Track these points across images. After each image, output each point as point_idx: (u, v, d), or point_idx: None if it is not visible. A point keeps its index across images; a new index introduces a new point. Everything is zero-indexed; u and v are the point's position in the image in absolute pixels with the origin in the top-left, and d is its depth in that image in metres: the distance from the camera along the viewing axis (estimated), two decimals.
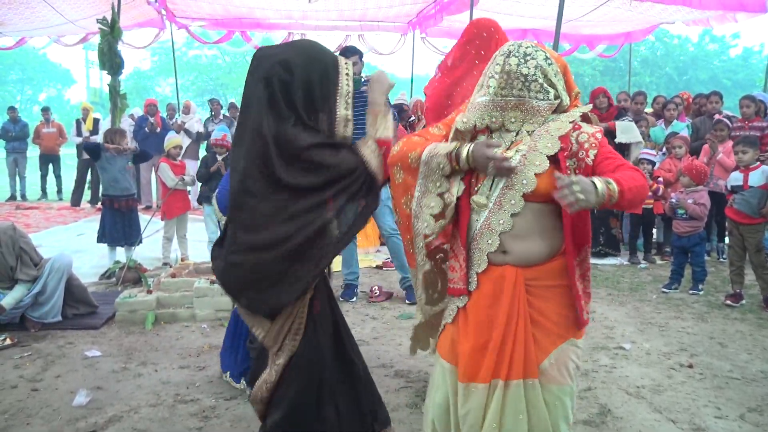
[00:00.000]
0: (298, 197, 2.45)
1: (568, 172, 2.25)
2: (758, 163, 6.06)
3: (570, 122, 2.30)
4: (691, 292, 6.42)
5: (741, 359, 4.63)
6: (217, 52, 41.12)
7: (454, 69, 3.16)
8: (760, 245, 6.05)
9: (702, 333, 5.23)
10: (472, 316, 2.36)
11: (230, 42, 16.74)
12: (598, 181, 2.09)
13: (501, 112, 2.30)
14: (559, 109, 2.34)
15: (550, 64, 2.29)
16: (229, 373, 4.10)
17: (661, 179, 7.46)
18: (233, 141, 2.66)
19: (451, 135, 2.40)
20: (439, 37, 15.52)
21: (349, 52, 4.65)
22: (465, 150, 2.29)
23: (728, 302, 6.01)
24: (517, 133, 2.34)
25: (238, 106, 13.83)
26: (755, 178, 5.93)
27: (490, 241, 2.32)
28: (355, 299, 6.03)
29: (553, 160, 2.27)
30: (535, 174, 2.25)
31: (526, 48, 2.29)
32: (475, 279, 2.36)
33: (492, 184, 2.31)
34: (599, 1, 10.92)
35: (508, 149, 2.31)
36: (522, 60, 2.26)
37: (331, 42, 16.16)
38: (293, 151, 2.44)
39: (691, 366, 4.47)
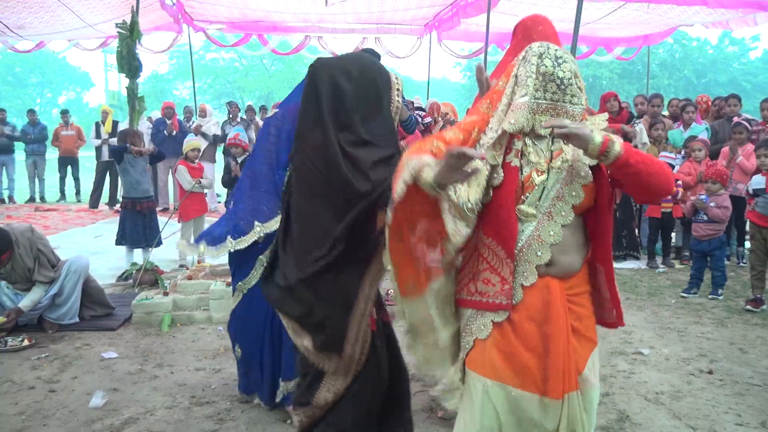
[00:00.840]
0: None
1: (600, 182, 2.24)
2: None
3: (601, 130, 2.22)
4: (710, 296, 6.35)
5: (762, 365, 4.56)
6: (235, 55, 41.39)
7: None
8: None
9: (722, 338, 5.16)
10: (520, 329, 2.22)
11: (247, 45, 16.83)
12: (616, 140, 2.11)
13: (533, 116, 2.22)
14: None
15: (577, 72, 2.25)
16: (258, 395, 3.85)
17: (680, 182, 7.38)
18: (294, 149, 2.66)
19: (494, 139, 2.26)
20: (456, 39, 15.51)
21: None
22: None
23: (749, 307, 5.93)
24: (552, 141, 2.27)
25: (256, 108, 13.95)
26: None
27: (539, 253, 2.23)
28: None
29: (594, 169, 2.25)
30: (582, 185, 2.23)
31: (556, 50, 2.24)
32: (521, 291, 2.24)
33: (541, 195, 2.24)
34: (617, 3, 10.86)
35: (551, 159, 2.25)
36: (556, 62, 2.20)
37: (348, 45, 16.22)
38: (359, 166, 2.45)
39: (710, 372, 4.41)
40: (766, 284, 6.10)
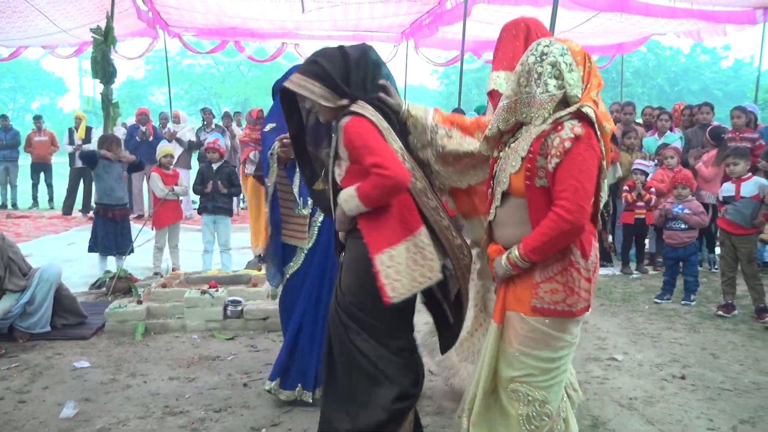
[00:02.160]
0: None
1: (528, 173, 2.42)
2: (750, 174, 6.07)
3: (550, 123, 2.40)
4: (683, 302, 6.42)
5: (733, 370, 4.62)
6: (211, 61, 41.24)
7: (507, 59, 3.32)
8: (752, 255, 6.05)
9: (694, 344, 5.22)
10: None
11: (224, 51, 16.76)
12: (503, 257, 2.53)
13: (512, 114, 2.52)
14: (567, 101, 2.42)
15: (564, 55, 2.41)
16: (301, 386, 3.82)
17: (653, 189, 7.47)
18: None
19: (490, 128, 2.64)
20: (432, 47, 15.58)
21: None
22: None
23: (720, 313, 6.01)
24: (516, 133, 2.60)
25: (231, 114, 13.86)
26: (747, 189, 5.95)
27: (484, 227, 2.74)
28: None
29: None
30: (510, 174, 2.50)
31: (543, 47, 2.45)
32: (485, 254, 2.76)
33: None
34: (591, 12, 10.98)
35: (505, 149, 2.60)
36: (538, 57, 2.44)
37: None
38: None
39: (683, 377, 4.46)
40: (737, 290, 6.17)
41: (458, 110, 9.62)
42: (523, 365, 2.50)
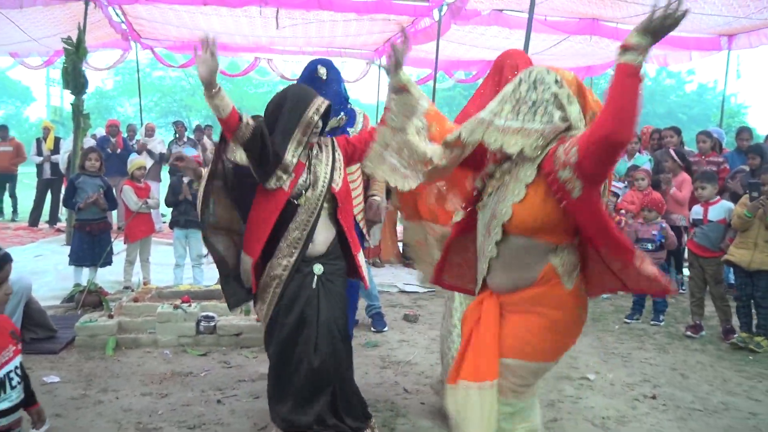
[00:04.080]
0: None
1: (559, 194, 2.25)
2: (718, 198, 6.21)
3: (556, 141, 2.31)
4: (652, 322, 6.51)
5: (702, 390, 4.70)
6: (182, 73, 40.87)
7: (480, 96, 3.38)
8: (720, 277, 6.18)
9: (664, 364, 5.30)
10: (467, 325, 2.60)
11: (195, 66, 16.68)
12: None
13: (502, 135, 2.33)
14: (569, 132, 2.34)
15: (561, 87, 2.34)
16: None
17: (623, 211, 7.59)
18: None
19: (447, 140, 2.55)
20: (405, 66, 15.65)
21: None
22: None
23: (688, 333, 6.11)
24: (512, 163, 2.41)
25: (204, 128, 13.81)
26: (714, 213, 6.08)
27: (484, 267, 2.48)
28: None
29: (535, 188, 2.32)
30: (513, 203, 2.31)
31: (537, 75, 2.36)
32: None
33: (485, 213, 2.45)
34: (562, 35, 11.18)
35: (498, 180, 2.44)
36: (532, 85, 2.34)
37: (297, 68, 16.24)
38: None
39: (654, 397, 4.52)
40: (705, 311, 6.29)
41: None
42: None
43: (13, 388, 2.50)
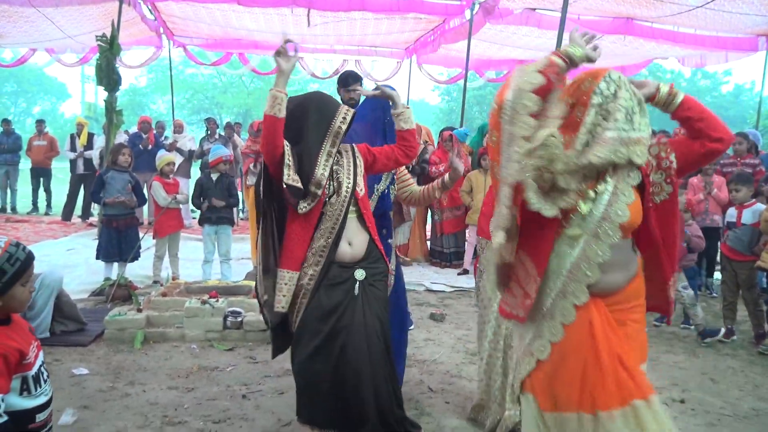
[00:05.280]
0: None
1: (652, 194, 2.41)
2: (753, 200, 6.09)
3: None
4: (682, 326, 6.41)
5: (732, 396, 4.61)
6: (214, 71, 41.32)
7: None
8: (753, 282, 6.06)
9: (694, 368, 5.22)
10: (572, 350, 2.33)
11: (227, 63, 16.84)
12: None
13: (627, 147, 2.26)
14: None
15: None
16: None
17: None
18: None
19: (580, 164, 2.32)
20: (435, 64, 15.66)
21: (351, 78, 4.65)
22: None
23: (720, 338, 6.00)
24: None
25: (233, 125, 13.98)
26: (748, 216, 5.96)
27: (589, 273, 2.31)
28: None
29: (638, 189, 2.38)
30: (627, 204, 2.32)
31: (624, 81, 2.34)
32: (573, 312, 2.33)
33: (587, 218, 2.32)
34: (595, 35, 11.05)
35: (596, 182, 2.33)
36: (628, 94, 2.31)
37: (328, 66, 16.30)
38: None
39: (683, 401, 4.45)
40: (737, 315, 6.18)
41: (448, 128, 9.68)
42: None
43: (45, 381, 2.54)
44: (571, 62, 2.30)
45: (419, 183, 8.71)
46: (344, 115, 3.26)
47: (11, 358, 2.35)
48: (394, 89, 3.50)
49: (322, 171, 3.16)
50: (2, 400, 2.29)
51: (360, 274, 3.24)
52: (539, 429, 2.39)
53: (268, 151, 3.11)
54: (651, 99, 2.42)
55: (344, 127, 3.25)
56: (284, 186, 3.10)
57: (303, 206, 3.15)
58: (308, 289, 3.20)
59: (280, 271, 3.23)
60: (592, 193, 2.33)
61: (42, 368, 2.55)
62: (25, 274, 2.45)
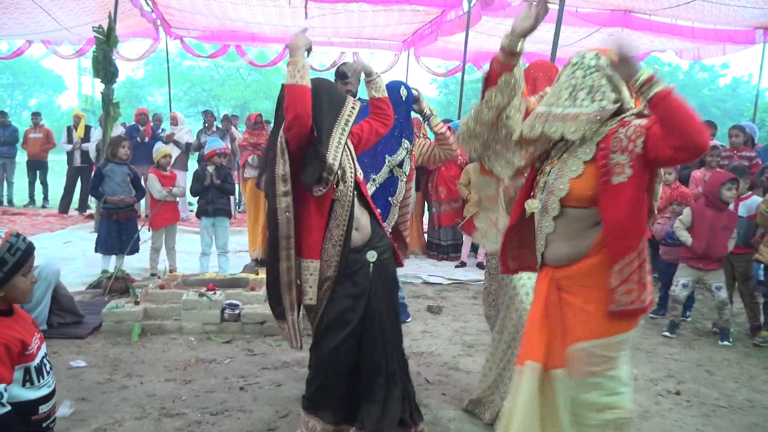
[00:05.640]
0: None
1: (603, 171, 2.36)
2: (749, 193, 6.10)
3: (617, 121, 2.40)
4: (680, 318, 6.43)
5: (728, 387, 4.64)
6: (211, 63, 41.25)
7: None
8: (749, 274, 6.08)
9: (689, 360, 5.24)
10: (531, 309, 2.68)
11: (224, 56, 16.80)
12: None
13: (562, 123, 2.43)
14: (621, 112, 2.44)
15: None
16: None
17: None
18: None
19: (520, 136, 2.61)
20: (433, 57, 15.64)
21: (348, 72, 4.67)
22: None
23: (716, 329, 6.03)
24: (576, 142, 2.48)
25: (231, 117, 13.94)
26: (744, 208, 5.99)
27: (541, 242, 2.57)
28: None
29: (594, 164, 2.41)
30: (570, 179, 2.44)
31: (589, 61, 2.44)
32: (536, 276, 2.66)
33: (542, 191, 2.54)
34: (593, 27, 11.05)
35: (558, 158, 2.52)
36: (585, 70, 2.43)
37: (326, 59, 16.27)
38: None
39: (678, 393, 4.47)
40: (733, 307, 6.19)
41: (446, 120, 9.65)
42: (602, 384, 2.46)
43: (48, 373, 2.55)
44: (507, 51, 2.56)
45: (419, 178, 8.75)
46: (353, 105, 3.26)
47: (13, 348, 2.36)
48: (362, 61, 3.64)
49: (332, 158, 3.09)
50: (5, 390, 2.30)
51: (371, 255, 3.26)
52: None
53: (298, 124, 2.97)
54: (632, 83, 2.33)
55: (352, 118, 3.23)
56: (308, 167, 3.05)
57: (319, 189, 3.10)
58: (332, 281, 3.21)
59: (303, 261, 3.17)
60: (548, 168, 2.52)
61: (45, 360, 2.56)
62: (26, 265, 2.46)
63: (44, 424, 2.53)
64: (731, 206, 6.09)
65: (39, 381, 2.48)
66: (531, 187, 2.66)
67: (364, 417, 3.23)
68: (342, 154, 3.17)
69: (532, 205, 2.57)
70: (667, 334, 5.89)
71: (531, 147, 2.60)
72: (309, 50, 3.12)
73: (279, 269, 3.14)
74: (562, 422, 2.46)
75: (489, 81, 2.63)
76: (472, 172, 3.10)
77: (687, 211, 5.93)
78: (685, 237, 5.84)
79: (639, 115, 2.40)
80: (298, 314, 3.24)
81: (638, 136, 2.29)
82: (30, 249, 2.48)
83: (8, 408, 2.31)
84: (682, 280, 5.91)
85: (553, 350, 2.48)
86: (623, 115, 2.41)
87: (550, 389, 2.48)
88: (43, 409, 2.51)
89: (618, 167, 2.32)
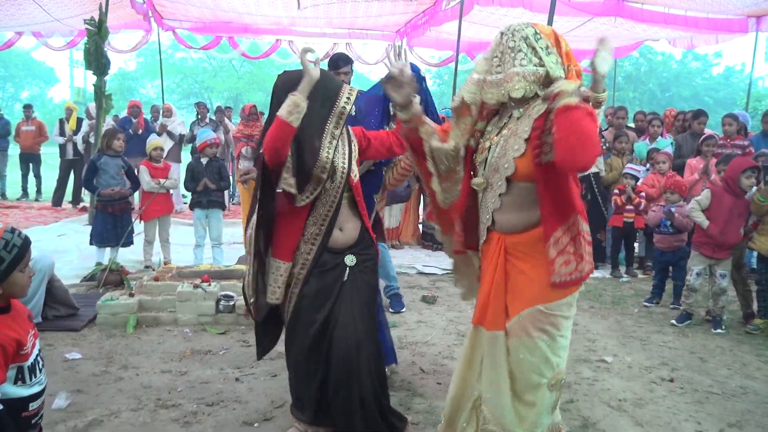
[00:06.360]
0: None
1: (536, 151, 2.47)
2: None
3: (545, 106, 2.48)
4: (672, 306, 6.47)
5: (721, 374, 4.67)
6: (204, 55, 41.09)
7: None
8: (741, 262, 6.12)
9: (683, 347, 5.27)
10: (482, 277, 2.80)
11: (217, 48, 16.73)
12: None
13: (497, 88, 2.58)
14: (548, 83, 2.53)
15: (538, 39, 2.54)
16: None
17: (643, 194, 7.53)
18: None
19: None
20: (426, 47, 15.61)
21: (341, 60, 4.62)
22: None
23: (709, 317, 6.05)
24: (510, 117, 2.62)
25: (224, 109, 13.90)
26: None
27: (486, 217, 2.70)
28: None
29: (533, 142, 2.51)
30: (514, 158, 2.53)
31: (516, 27, 2.58)
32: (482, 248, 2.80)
33: (484, 168, 2.64)
34: (586, 17, 11.04)
35: (497, 135, 2.63)
36: (510, 35, 2.56)
37: (319, 49, 16.21)
38: None
39: (672, 380, 4.50)
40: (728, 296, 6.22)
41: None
42: (543, 347, 2.61)
43: (40, 371, 2.55)
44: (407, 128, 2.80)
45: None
46: (348, 95, 3.13)
47: (9, 348, 2.35)
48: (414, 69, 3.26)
49: (326, 154, 3.03)
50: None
51: (350, 260, 3.18)
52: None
53: (274, 156, 2.94)
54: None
55: (348, 107, 3.11)
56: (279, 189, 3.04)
57: (302, 198, 3.06)
58: (299, 277, 3.15)
59: (273, 260, 3.15)
60: (487, 144, 2.64)
61: (38, 357, 2.55)
62: (23, 260, 2.44)
63: (33, 421, 2.53)
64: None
65: (31, 379, 2.48)
66: (471, 164, 2.76)
67: (335, 420, 3.19)
68: (334, 151, 3.09)
69: (478, 182, 2.67)
70: (674, 322, 5.93)
71: (467, 118, 2.73)
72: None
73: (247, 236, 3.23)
74: (499, 381, 2.64)
75: (418, 155, 2.88)
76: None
77: (706, 193, 5.95)
78: (701, 219, 5.84)
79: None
80: (261, 274, 3.20)
81: (552, 123, 2.38)
82: (26, 244, 2.46)
83: (0, 407, 2.31)
84: (696, 268, 5.94)
85: (496, 313, 2.65)
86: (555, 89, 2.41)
87: (492, 349, 2.66)
88: (33, 406, 2.51)
89: (547, 146, 2.43)
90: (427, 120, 2.81)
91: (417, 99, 2.75)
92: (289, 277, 3.16)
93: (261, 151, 3.04)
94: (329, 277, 3.15)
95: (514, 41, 2.53)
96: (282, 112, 2.88)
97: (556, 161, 2.31)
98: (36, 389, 2.51)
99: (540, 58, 2.51)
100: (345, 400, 3.11)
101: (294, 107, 2.88)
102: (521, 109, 2.59)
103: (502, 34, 2.59)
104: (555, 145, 2.28)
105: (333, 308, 3.14)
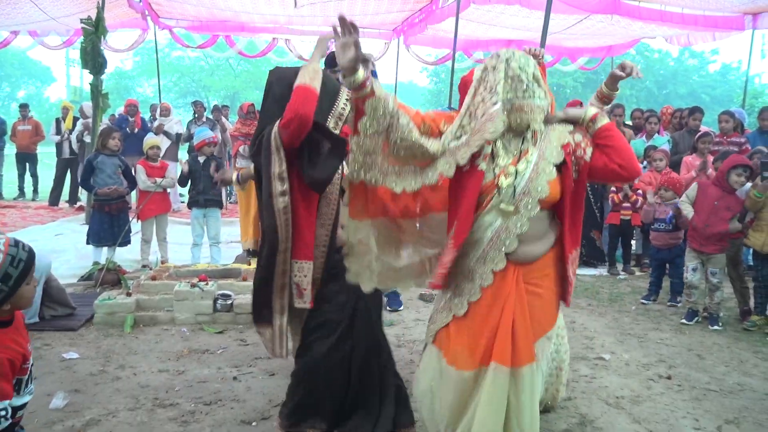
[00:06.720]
0: None
1: (573, 174, 2.62)
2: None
3: (569, 132, 2.64)
4: (669, 303, 6.48)
5: (718, 371, 4.67)
6: (201, 54, 41.02)
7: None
8: (738, 259, 6.12)
9: (680, 345, 5.28)
10: (485, 310, 2.65)
11: (214, 46, 16.70)
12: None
13: (507, 116, 2.58)
14: None
15: (537, 71, 2.62)
16: None
17: (640, 191, 7.53)
18: None
19: (478, 143, 2.56)
20: (423, 45, 15.59)
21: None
22: None
23: (706, 314, 6.06)
24: (522, 141, 2.62)
25: (221, 108, 13.87)
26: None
27: (508, 242, 2.60)
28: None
29: (558, 168, 2.61)
30: (548, 181, 2.58)
31: (520, 56, 2.60)
32: (491, 276, 2.64)
33: (514, 192, 2.57)
34: (582, 15, 11.04)
35: (518, 160, 2.60)
36: (521, 64, 2.56)
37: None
38: None
39: (669, 377, 4.51)
40: (723, 292, 6.23)
41: (450, 109, 9.66)
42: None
43: (31, 381, 2.54)
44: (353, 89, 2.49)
45: None
46: (347, 96, 3.09)
47: (16, 363, 2.35)
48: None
49: None
50: (9, 406, 2.30)
51: None
52: (436, 381, 2.74)
53: (296, 130, 2.87)
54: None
55: (347, 109, 3.09)
56: (324, 163, 2.96)
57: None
58: (316, 279, 3.13)
59: (297, 262, 3.06)
60: (512, 169, 2.58)
61: (31, 368, 2.54)
62: (30, 273, 2.42)
63: (16, 428, 2.51)
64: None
65: (24, 390, 2.48)
66: (478, 189, 2.59)
67: (358, 424, 3.19)
68: None
69: (508, 208, 2.58)
70: (684, 321, 5.92)
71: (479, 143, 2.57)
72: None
73: (274, 272, 3.04)
74: (523, 414, 2.63)
75: (357, 113, 2.54)
76: (343, 216, 2.82)
77: (694, 186, 6.07)
78: (688, 210, 5.90)
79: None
80: (287, 319, 3.16)
81: (587, 145, 2.62)
82: (31, 257, 2.42)
83: (9, 422, 2.31)
84: (691, 264, 5.95)
85: (522, 347, 2.62)
86: (570, 127, 2.68)
87: (515, 386, 2.63)
88: (20, 413, 2.50)
89: (574, 165, 2.63)
90: (385, 92, 2.53)
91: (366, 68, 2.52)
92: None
93: (278, 136, 2.93)
94: (343, 278, 3.06)
95: (527, 73, 2.57)
96: (303, 79, 2.88)
97: (614, 165, 2.57)
98: (26, 399, 2.51)
99: (544, 92, 2.62)
100: (368, 396, 3.22)
101: (315, 74, 2.92)
102: (529, 134, 2.62)
103: (509, 60, 2.58)
104: (613, 154, 2.58)
105: (352, 312, 3.16)
